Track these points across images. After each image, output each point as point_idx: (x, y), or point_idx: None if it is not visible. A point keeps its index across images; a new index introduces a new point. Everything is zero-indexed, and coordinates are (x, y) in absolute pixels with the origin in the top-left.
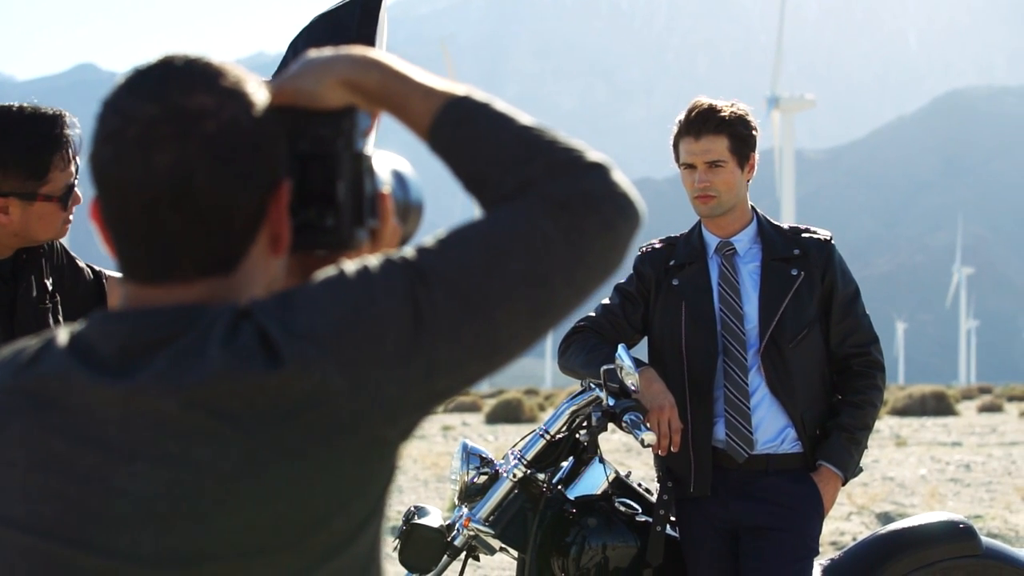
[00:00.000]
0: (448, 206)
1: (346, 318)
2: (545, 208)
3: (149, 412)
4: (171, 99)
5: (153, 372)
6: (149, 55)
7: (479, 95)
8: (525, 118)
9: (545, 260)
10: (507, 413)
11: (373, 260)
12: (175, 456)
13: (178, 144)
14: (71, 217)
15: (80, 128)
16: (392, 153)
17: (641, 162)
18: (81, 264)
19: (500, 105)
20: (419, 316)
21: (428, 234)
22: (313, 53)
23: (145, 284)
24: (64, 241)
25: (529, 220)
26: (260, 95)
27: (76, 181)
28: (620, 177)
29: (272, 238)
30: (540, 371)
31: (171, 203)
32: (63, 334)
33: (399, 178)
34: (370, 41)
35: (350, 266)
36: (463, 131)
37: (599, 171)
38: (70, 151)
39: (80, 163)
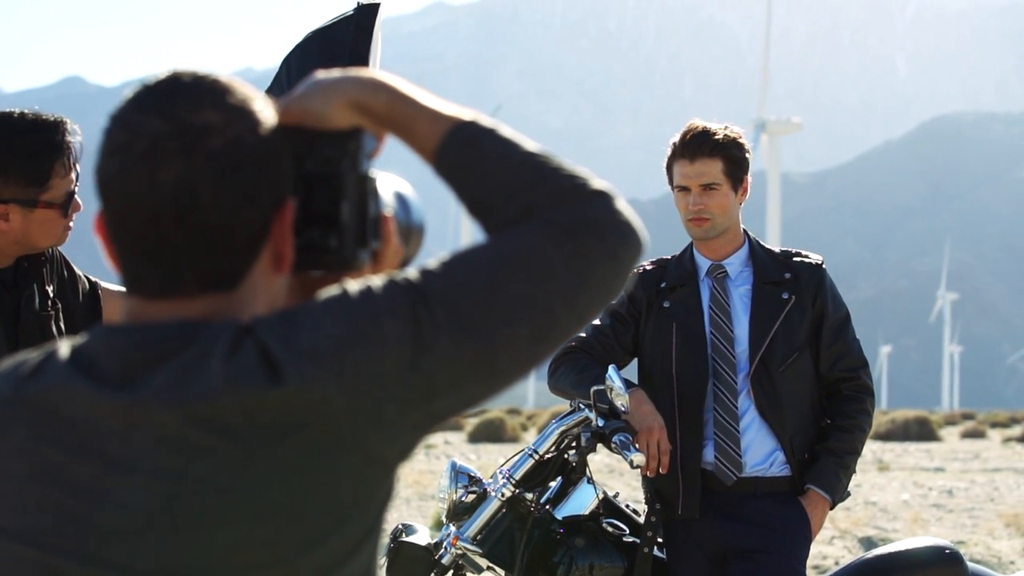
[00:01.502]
0: (440, 229)
1: (348, 337)
2: (549, 234)
3: (149, 426)
4: (178, 115)
5: (154, 386)
6: (137, 69)
7: (485, 120)
8: (531, 144)
9: (548, 285)
10: (490, 432)
11: (376, 280)
12: (174, 470)
13: (183, 160)
14: (71, 224)
15: (81, 137)
16: (394, 175)
17: (627, 183)
18: (79, 273)
19: (506, 131)
20: (420, 337)
21: (427, 255)
22: (321, 74)
23: (148, 298)
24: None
25: (533, 245)
26: (267, 113)
27: (76, 188)
28: (623, 206)
29: (275, 256)
30: (523, 390)
31: (175, 218)
32: (64, 347)
33: (401, 200)
34: (364, 59)
35: (353, 286)
36: (469, 155)
37: (603, 199)
38: (71, 158)
39: (80, 170)
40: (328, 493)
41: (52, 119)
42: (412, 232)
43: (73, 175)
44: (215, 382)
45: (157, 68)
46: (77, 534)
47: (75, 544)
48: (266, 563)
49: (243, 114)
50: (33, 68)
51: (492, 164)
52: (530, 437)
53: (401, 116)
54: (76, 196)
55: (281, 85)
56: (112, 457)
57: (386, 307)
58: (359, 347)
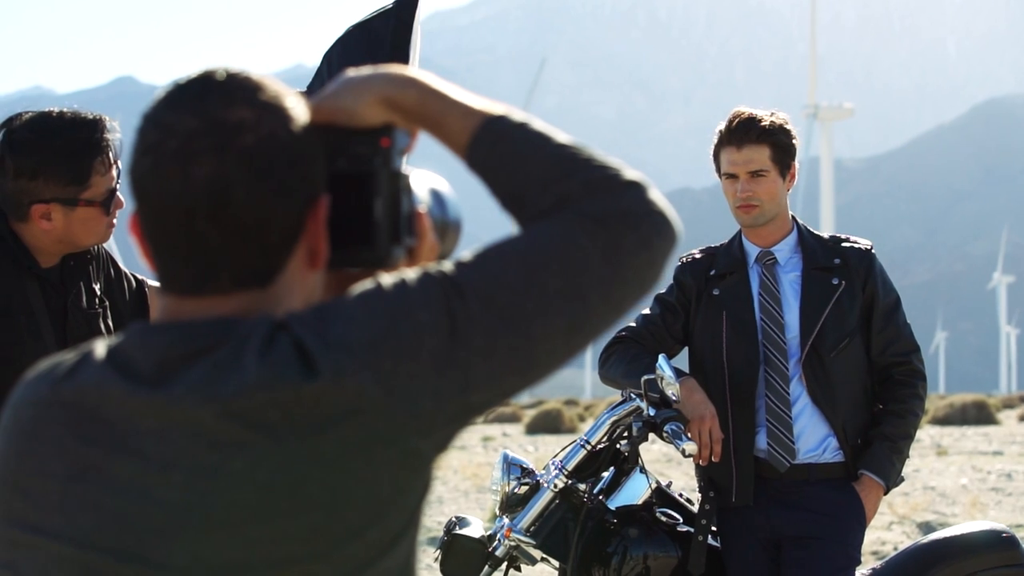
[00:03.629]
0: (488, 219)
1: (383, 330)
2: (583, 224)
3: (186, 423)
4: (210, 112)
5: (190, 383)
6: (188, 67)
7: (517, 114)
8: (562, 136)
9: (582, 276)
10: (547, 423)
11: (410, 273)
12: (211, 466)
13: (216, 157)
14: (114, 221)
15: (120, 134)
16: (429, 172)
17: (680, 172)
18: (125, 270)
19: (538, 124)
20: (455, 329)
21: (467, 248)
22: (351, 72)
23: (183, 296)
24: (111, 247)
25: (567, 236)
26: (299, 110)
27: (118, 185)
28: (657, 195)
29: (310, 253)
30: (580, 381)
31: (209, 216)
32: (100, 347)
33: (436, 196)
34: (404, 52)
35: (387, 279)
36: (501, 149)
37: (637, 189)
38: (111, 155)
39: (121, 167)
40: (366, 486)
41: (91, 117)
42: (448, 228)
43: (114, 172)
44: (250, 377)
45: (209, 67)
46: (116, 532)
47: (114, 542)
48: (304, 557)
49: (275, 111)
50: (85, 69)
51: (524, 157)
52: (588, 428)
53: (432, 111)
54: (118, 193)
55: (323, 80)
56: (149, 455)
57: (420, 300)
58: (394, 340)
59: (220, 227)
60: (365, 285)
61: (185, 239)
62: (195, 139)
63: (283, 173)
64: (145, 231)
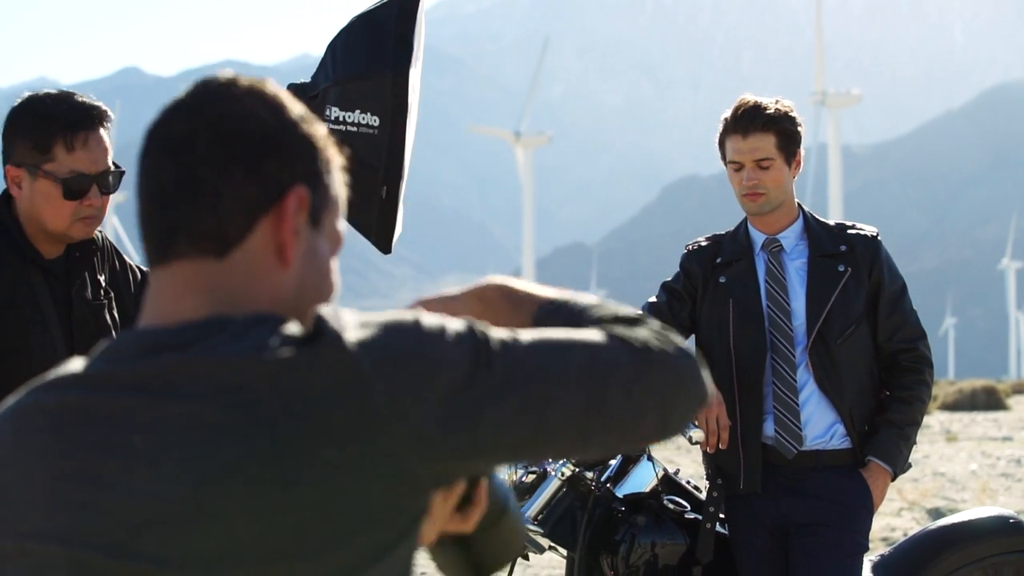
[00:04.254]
0: (497, 208)
1: (407, 349)
2: (623, 343)
3: (175, 415)
4: (205, 93)
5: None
6: (193, 58)
7: (580, 297)
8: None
9: (609, 381)
10: None
11: (451, 319)
12: (203, 457)
13: (191, 118)
14: (91, 215)
15: (115, 128)
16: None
17: (687, 159)
18: (130, 262)
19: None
20: (475, 376)
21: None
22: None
23: (155, 266)
24: (121, 243)
25: (607, 344)
26: (295, 108)
27: (90, 175)
28: (697, 364)
29: (277, 245)
30: None
31: (171, 166)
32: (80, 360)
33: (502, 484)
34: (408, 41)
35: (427, 316)
36: (556, 317)
37: (680, 349)
38: (85, 140)
39: (103, 160)
40: (356, 493)
41: (90, 103)
42: (504, 515)
43: (85, 158)
44: (243, 362)
45: (214, 57)
46: (106, 528)
47: (104, 538)
48: (292, 554)
49: (264, 98)
50: (90, 60)
51: (577, 314)
52: None
53: (511, 299)
54: (96, 186)
55: (327, 70)
56: (139, 450)
57: (452, 337)
58: (415, 362)
59: (177, 178)
60: (402, 313)
61: (151, 192)
62: (180, 109)
63: (251, 145)
64: (136, 203)
